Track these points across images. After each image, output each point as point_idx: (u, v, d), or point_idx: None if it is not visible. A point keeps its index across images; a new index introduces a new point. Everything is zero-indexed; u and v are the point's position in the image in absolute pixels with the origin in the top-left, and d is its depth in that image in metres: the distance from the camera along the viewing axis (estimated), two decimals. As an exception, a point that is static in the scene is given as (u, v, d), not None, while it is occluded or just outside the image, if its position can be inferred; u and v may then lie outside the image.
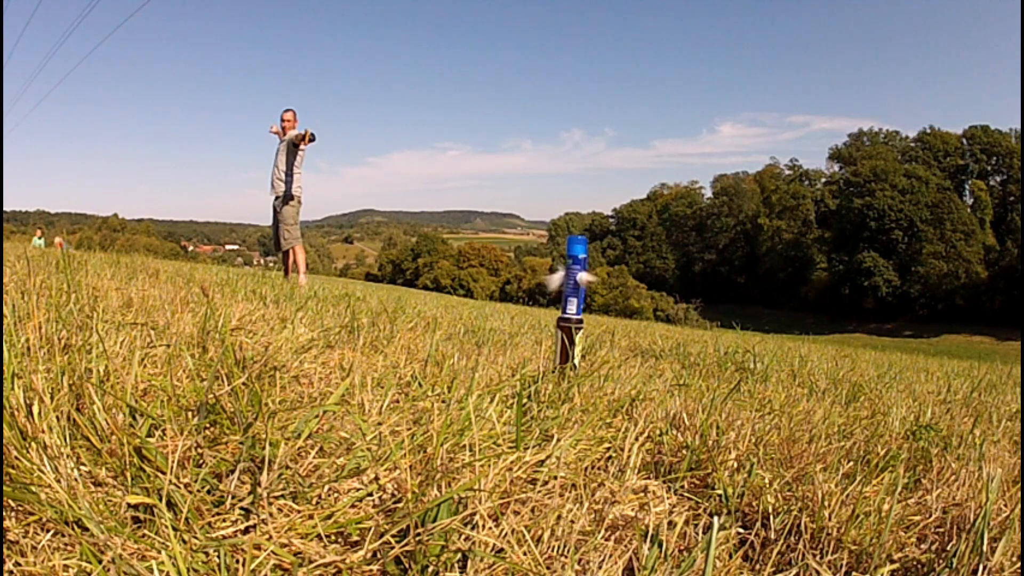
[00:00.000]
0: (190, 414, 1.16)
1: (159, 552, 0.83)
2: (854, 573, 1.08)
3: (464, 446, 1.17)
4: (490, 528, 0.96)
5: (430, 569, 0.89)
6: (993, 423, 2.64)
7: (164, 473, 0.95)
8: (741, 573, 1.06)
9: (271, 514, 0.94)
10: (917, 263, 73.01)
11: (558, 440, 1.29)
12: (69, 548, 0.84)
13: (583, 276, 1.97)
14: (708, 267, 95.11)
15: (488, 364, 2.17)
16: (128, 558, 0.81)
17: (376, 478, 1.07)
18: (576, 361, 1.96)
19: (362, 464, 1.09)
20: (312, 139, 7.14)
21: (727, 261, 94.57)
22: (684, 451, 1.43)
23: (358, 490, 1.04)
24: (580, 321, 1.98)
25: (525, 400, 1.51)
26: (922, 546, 1.17)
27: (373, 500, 1.04)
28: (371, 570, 0.89)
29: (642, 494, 1.24)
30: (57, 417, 1.03)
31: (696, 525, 1.17)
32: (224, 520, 0.93)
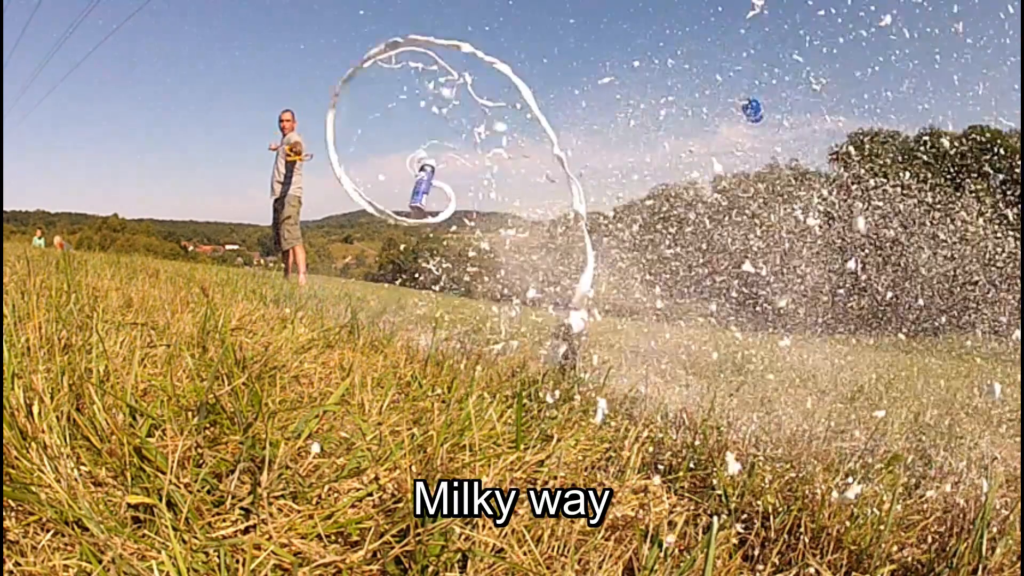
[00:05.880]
0: (190, 414, 1.16)
1: (159, 552, 0.83)
2: (854, 573, 1.08)
3: (464, 446, 1.17)
4: (490, 528, 0.96)
5: (430, 569, 0.89)
6: (993, 423, 2.65)
7: (164, 473, 0.95)
8: (741, 573, 1.06)
9: (271, 514, 0.94)
10: (916, 264, 73.36)
11: (558, 440, 1.29)
12: (69, 548, 0.84)
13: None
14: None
15: (488, 364, 2.17)
16: (128, 558, 0.81)
17: (376, 478, 1.07)
18: (577, 365, 2.00)
19: (362, 464, 1.09)
20: (299, 152, 7.24)
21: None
22: (684, 451, 1.43)
23: (358, 490, 1.04)
24: (581, 334, 2.03)
25: (525, 400, 1.51)
26: (922, 546, 1.17)
27: (373, 500, 1.04)
28: (371, 570, 0.89)
29: (642, 494, 1.24)
30: (57, 417, 1.03)
31: (696, 525, 1.17)
32: (224, 520, 0.93)
